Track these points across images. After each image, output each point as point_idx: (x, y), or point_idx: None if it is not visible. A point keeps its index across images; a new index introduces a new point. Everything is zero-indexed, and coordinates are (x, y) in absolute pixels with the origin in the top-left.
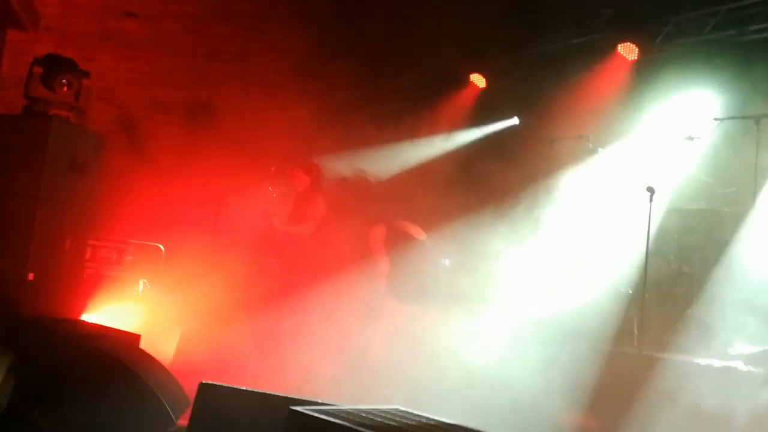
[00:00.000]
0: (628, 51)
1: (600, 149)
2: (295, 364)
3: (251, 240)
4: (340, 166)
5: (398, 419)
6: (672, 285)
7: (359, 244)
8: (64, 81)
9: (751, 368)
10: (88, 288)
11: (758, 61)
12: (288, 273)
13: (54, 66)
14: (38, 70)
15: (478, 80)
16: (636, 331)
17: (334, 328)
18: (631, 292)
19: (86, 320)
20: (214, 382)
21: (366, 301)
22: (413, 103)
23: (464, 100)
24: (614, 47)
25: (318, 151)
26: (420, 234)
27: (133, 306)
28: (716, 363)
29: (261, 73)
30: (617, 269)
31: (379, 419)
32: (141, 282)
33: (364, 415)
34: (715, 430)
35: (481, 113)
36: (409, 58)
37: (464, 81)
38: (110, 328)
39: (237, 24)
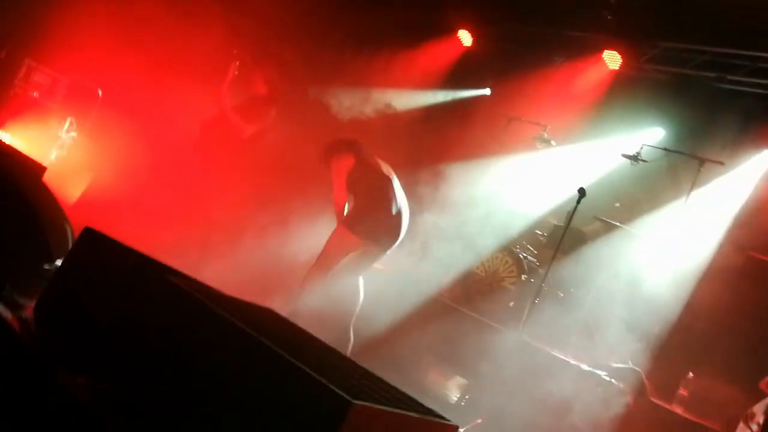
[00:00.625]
0: (612, 59)
1: (553, 142)
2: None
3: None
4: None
5: (272, 321)
6: (570, 285)
7: (317, 166)
8: None
9: (612, 380)
10: (12, 105)
11: (724, 110)
12: (213, 164)
13: None
14: None
15: (465, 38)
16: (524, 317)
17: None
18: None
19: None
20: (99, 231)
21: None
22: (395, 42)
23: (446, 55)
24: (600, 52)
25: (285, 66)
26: (390, 173)
27: (51, 140)
28: (585, 366)
29: None
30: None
31: (252, 312)
32: (68, 120)
33: (239, 305)
34: (551, 415)
35: (458, 73)
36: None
37: (451, 35)
38: (17, 150)
39: None
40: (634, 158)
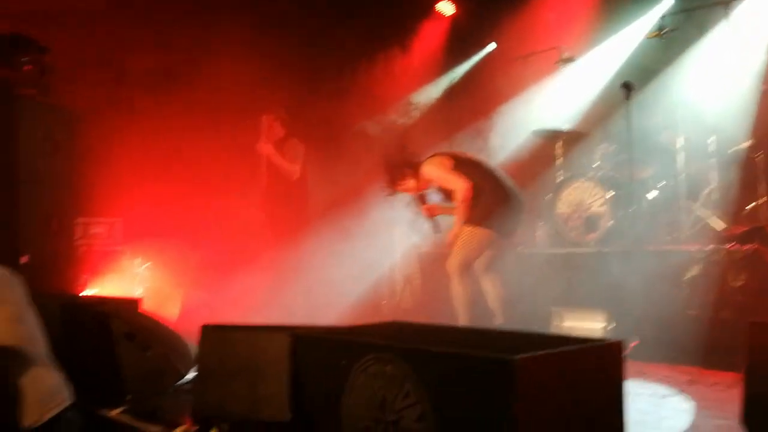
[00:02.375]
0: None
1: (575, 58)
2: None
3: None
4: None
5: (396, 329)
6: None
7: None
8: (24, 59)
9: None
10: (83, 265)
11: None
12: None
13: (12, 45)
14: None
15: (446, 8)
16: (628, 230)
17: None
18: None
19: (85, 294)
20: (215, 324)
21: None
22: (384, 43)
23: (437, 33)
24: None
25: (287, 99)
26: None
27: (131, 277)
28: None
29: (222, 29)
30: None
31: (377, 331)
32: (137, 259)
33: (361, 330)
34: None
35: (455, 43)
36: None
37: (429, 12)
38: (109, 296)
39: None
40: (659, 34)
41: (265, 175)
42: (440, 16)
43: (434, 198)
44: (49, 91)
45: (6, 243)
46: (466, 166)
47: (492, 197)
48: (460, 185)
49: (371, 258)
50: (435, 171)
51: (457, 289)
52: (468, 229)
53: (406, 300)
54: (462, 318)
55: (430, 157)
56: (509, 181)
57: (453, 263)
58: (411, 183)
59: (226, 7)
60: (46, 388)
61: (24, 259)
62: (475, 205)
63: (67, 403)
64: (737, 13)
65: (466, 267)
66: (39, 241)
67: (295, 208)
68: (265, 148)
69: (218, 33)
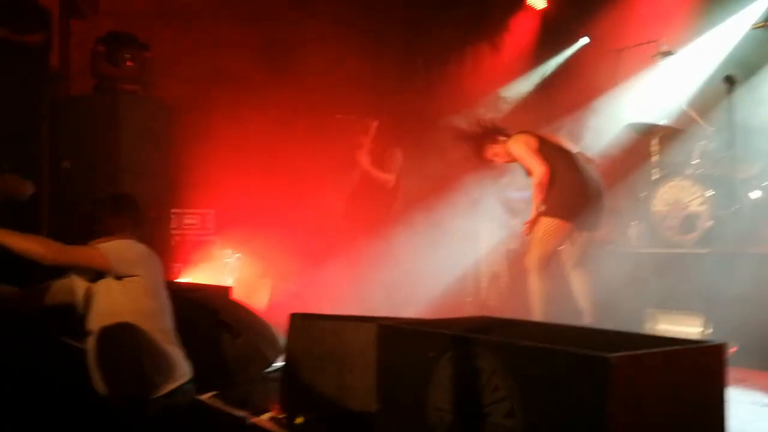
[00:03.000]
0: None
1: (674, 51)
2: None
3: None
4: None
5: (484, 323)
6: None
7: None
8: (126, 56)
9: None
10: (177, 254)
11: None
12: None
13: (115, 43)
14: (101, 48)
15: (538, 1)
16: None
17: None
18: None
19: (181, 281)
20: (302, 313)
21: None
22: (474, 37)
23: (529, 27)
24: None
25: (385, 109)
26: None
27: (222, 268)
28: None
29: (316, 27)
30: None
31: (465, 324)
32: (228, 249)
33: (449, 323)
34: None
35: (546, 37)
36: None
37: (519, 7)
38: (202, 284)
39: None
40: (766, 24)
41: (357, 179)
42: (531, 9)
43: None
44: (149, 86)
45: None
46: (550, 150)
47: (571, 187)
48: (538, 168)
49: (457, 254)
50: (520, 149)
51: (535, 285)
52: (545, 221)
53: (491, 298)
54: (538, 316)
55: (518, 133)
56: (593, 173)
57: (532, 258)
58: (500, 150)
59: (320, 3)
60: (171, 361)
61: None
62: (553, 195)
63: (187, 377)
64: None
65: (546, 261)
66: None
67: (384, 203)
68: (363, 159)
69: (313, 30)
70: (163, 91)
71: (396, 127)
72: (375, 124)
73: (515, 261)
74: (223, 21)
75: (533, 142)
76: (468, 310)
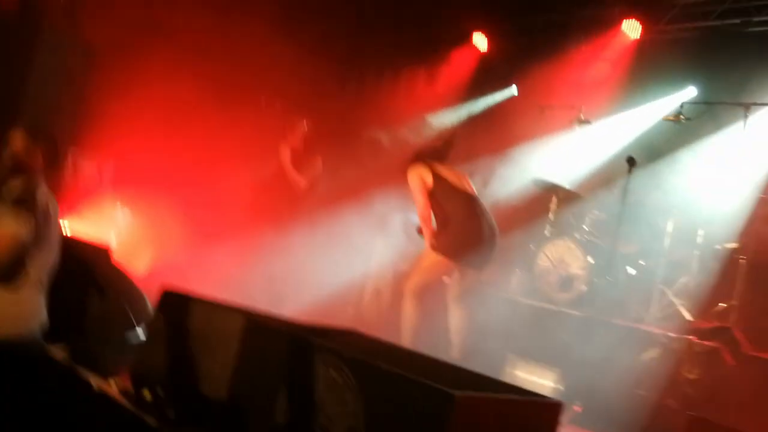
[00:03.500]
0: (632, 28)
1: (591, 121)
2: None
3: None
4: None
5: (352, 337)
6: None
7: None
8: None
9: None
10: (66, 197)
11: (758, 53)
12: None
13: None
14: None
15: (481, 42)
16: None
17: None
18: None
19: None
20: (176, 291)
21: None
22: (413, 60)
23: (466, 64)
24: (618, 23)
25: (314, 110)
26: (472, 189)
27: (109, 222)
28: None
29: (264, 12)
30: None
31: (332, 335)
32: (119, 206)
33: (318, 330)
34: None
35: (480, 78)
36: (411, 12)
37: (466, 41)
38: (82, 238)
39: None
40: (677, 118)
41: (273, 171)
42: (474, 48)
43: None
44: (77, 24)
45: None
46: (451, 191)
47: (464, 232)
48: (421, 205)
49: (348, 263)
50: (413, 180)
51: (409, 310)
52: (433, 255)
53: (370, 312)
54: (405, 340)
55: (420, 164)
56: (490, 219)
57: (411, 284)
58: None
59: None
60: (29, 308)
61: None
62: (447, 235)
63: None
64: (756, 118)
65: (422, 290)
66: None
67: (291, 203)
68: (284, 155)
69: (252, 12)
70: (88, 31)
71: (321, 129)
72: (304, 123)
73: (400, 282)
74: None
75: (428, 180)
76: (346, 320)
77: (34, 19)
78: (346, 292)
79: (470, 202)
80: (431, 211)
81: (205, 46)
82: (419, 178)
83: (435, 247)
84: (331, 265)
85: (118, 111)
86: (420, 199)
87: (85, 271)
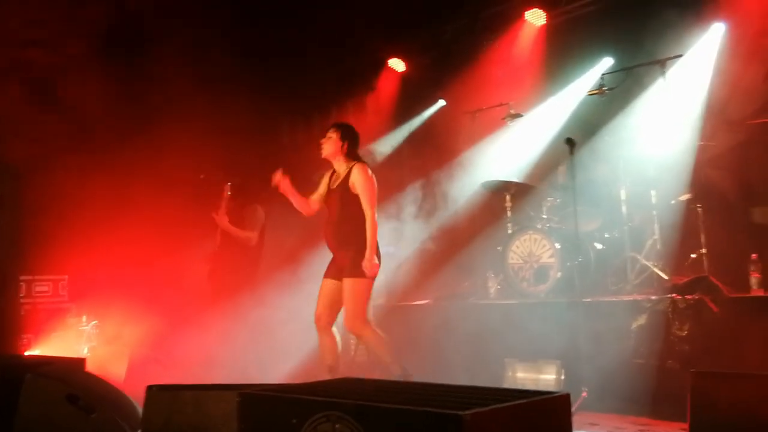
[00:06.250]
0: (536, 17)
1: (522, 114)
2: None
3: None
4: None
5: (348, 386)
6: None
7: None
8: None
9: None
10: (27, 324)
11: (656, 9)
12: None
13: None
14: None
15: (397, 65)
16: (576, 282)
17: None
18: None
19: (29, 355)
20: (160, 384)
21: None
22: (336, 98)
23: (387, 87)
24: (522, 15)
25: (240, 163)
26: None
27: (77, 335)
28: (653, 297)
29: (167, 91)
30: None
31: (328, 388)
32: (83, 316)
33: (314, 387)
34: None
35: (406, 99)
36: (322, 53)
37: (382, 67)
38: (53, 357)
39: (134, 46)
40: (601, 91)
41: (219, 240)
42: (392, 71)
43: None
44: None
45: None
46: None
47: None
48: (373, 207)
49: None
50: (368, 177)
51: (373, 338)
52: (354, 281)
53: (360, 354)
54: (393, 364)
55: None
56: None
57: (356, 322)
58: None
59: (171, 65)
60: None
61: None
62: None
63: None
64: (673, 71)
65: (365, 316)
66: None
67: (248, 261)
68: (221, 219)
69: (167, 93)
70: (9, 151)
71: (258, 183)
72: (228, 184)
73: (380, 317)
74: (72, 77)
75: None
76: (338, 369)
77: None
78: None
79: None
80: None
81: (123, 138)
82: (372, 179)
83: (354, 273)
84: (310, 317)
85: (60, 226)
86: (373, 198)
87: (59, 389)
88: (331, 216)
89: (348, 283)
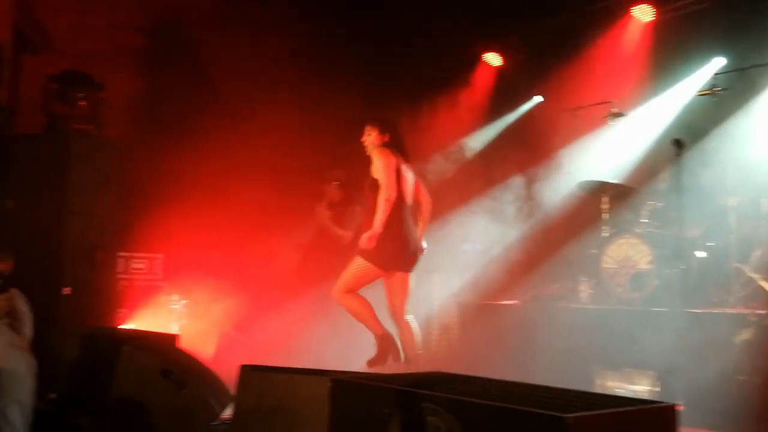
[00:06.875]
0: (644, 13)
1: (625, 113)
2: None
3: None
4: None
5: (438, 379)
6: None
7: None
8: (80, 95)
9: None
10: (124, 299)
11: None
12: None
13: (69, 81)
14: (54, 86)
15: (493, 59)
16: (678, 290)
17: None
18: None
19: (125, 328)
20: (255, 364)
21: None
22: (429, 92)
23: (482, 82)
24: (628, 10)
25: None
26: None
27: (169, 313)
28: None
29: (271, 79)
30: None
31: (419, 380)
32: (175, 295)
33: (405, 378)
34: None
35: (501, 94)
36: (420, 45)
37: (477, 62)
38: (148, 331)
39: (236, 33)
40: (712, 92)
41: (314, 232)
42: (487, 65)
43: None
44: (102, 127)
45: (51, 273)
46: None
47: (394, 240)
48: (393, 189)
49: (409, 306)
50: (384, 160)
51: (350, 304)
52: (361, 261)
53: (442, 350)
54: (373, 327)
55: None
56: (414, 228)
57: (336, 289)
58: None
59: (275, 56)
60: None
61: (66, 291)
62: (378, 243)
63: None
64: None
65: (347, 290)
66: (82, 273)
67: (336, 260)
68: (322, 213)
69: (272, 81)
70: (116, 132)
71: (357, 180)
72: (335, 183)
73: (466, 314)
74: (179, 67)
75: (395, 164)
76: (419, 364)
77: (61, 133)
78: None
79: (405, 209)
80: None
81: (227, 125)
82: (390, 160)
83: (365, 254)
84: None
85: (158, 207)
86: (391, 179)
87: (154, 363)
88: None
89: (355, 259)
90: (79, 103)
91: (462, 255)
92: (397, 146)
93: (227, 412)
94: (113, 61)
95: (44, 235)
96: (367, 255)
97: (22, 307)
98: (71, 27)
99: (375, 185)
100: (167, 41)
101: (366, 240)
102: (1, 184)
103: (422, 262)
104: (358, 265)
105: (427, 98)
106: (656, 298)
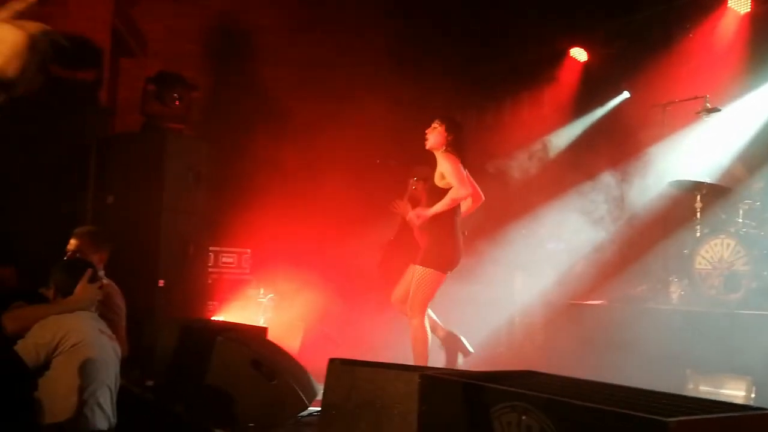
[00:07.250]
0: (740, 4)
1: (719, 108)
2: None
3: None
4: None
5: (530, 378)
6: None
7: None
8: (175, 95)
9: None
10: (214, 292)
11: None
12: None
13: (165, 82)
14: (151, 87)
15: (579, 54)
16: None
17: None
18: None
19: (217, 320)
20: (343, 359)
21: None
22: (514, 88)
23: (568, 78)
24: (724, 2)
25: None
26: None
27: (256, 306)
28: None
29: (362, 76)
30: None
31: (510, 378)
32: (262, 289)
33: (495, 376)
34: None
35: (587, 90)
36: (505, 41)
37: (564, 57)
38: (240, 324)
39: (326, 30)
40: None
41: (396, 229)
42: (573, 60)
43: None
44: (195, 126)
45: (148, 267)
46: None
47: (453, 239)
48: (465, 189)
49: (492, 304)
50: (451, 161)
51: (417, 330)
52: (421, 270)
53: (525, 350)
54: (420, 362)
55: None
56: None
57: (413, 306)
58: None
59: (367, 53)
60: None
61: (161, 283)
62: (436, 244)
63: None
64: None
65: (425, 308)
66: (175, 267)
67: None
68: (404, 208)
69: (362, 76)
70: (208, 131)
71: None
72: (414, 179)
73: (551, 313)
74: (269, 65)
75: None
76: (502, 362)
77: (157, 132)
78: (496, 334)
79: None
80: None
81: (313, 122)
82: (459, 163)
83: (425, 262)
84: (475, 310)
85: (247, 203)
86: (464, 179)
87: (245, 354)
88: (421, 204)
89: (417, 270)
90: (174, 103)
91: (546, 254)
92: (458, 148)
93: (314, 406)
94: (201, 62)
95: (141, 230)
96: (428, 262)
97: (116, 297)
98: (165, 28)
99: (435, 188)
100: (254, 42)
101: (415, 215)
102: (101, 181)
103: (504, 261)
104: (423, 276)
105: (512, 94)
106: (753, 301)
